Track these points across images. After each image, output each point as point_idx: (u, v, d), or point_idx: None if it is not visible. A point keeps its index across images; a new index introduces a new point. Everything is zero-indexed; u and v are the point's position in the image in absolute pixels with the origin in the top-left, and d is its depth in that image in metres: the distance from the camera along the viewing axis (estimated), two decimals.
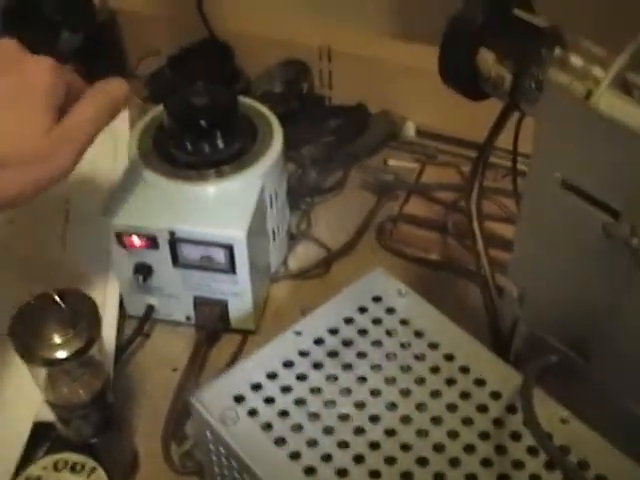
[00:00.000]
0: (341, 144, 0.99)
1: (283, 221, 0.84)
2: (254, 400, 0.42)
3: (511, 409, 0.44)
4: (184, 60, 1.05)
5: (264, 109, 0.83)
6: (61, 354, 0.57)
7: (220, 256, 0.73)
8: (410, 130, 1.02)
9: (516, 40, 0.48)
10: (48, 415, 0.66)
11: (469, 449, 0.42)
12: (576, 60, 0.43)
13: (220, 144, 0.76)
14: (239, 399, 0.43)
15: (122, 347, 0.77)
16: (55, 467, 0.62)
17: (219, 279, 0.75)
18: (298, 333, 0.46)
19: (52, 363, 0.57)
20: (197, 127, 0.76)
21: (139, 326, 0.79)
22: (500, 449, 0.42)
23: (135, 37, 1.13)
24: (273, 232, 0.82)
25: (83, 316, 0.58)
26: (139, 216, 0.73)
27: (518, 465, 0.42)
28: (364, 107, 1.02)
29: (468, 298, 0.77)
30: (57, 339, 0.57)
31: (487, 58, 0.48)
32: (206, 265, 0.74)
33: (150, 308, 0.79)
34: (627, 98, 0.40)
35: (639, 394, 0.46)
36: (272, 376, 0.44)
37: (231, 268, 0.73)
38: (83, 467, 0.62)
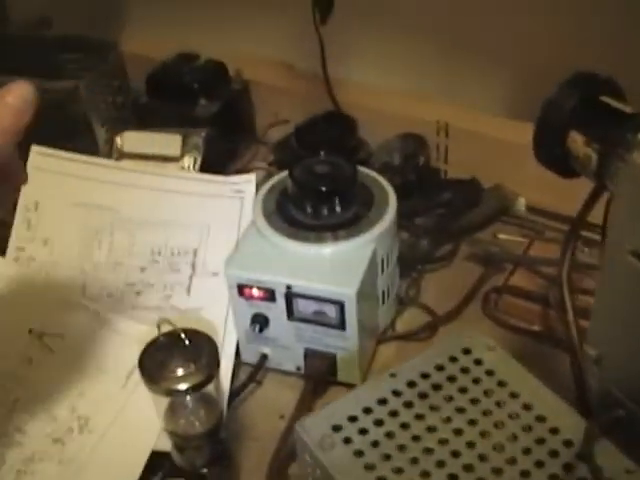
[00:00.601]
0: (453, 216, 1.04)
1: (393, 285, 0.89)
2: (350, 430, 0.47)
3: (581, 457, 0.47)
4: (309, 130, 1.12)
5: (381, 179, 0.89)
6: (182, 386, 0.63)
7: (332, 312, 0.78)
8: (521, 206, 1.06)
9: (603, 124, 0.52)
10: (165, 445, 0.73)
11: None
12: None
13: (338, 209, 0.82)
14: (337, 428, 0.48)
15: (235, 391, 0.83)
16: None
17: (330, 334, 0.80)
18: (393, 375, 0.51)
19: (173, 393, 0.64)
20: (318, 193, 0.82)
21: (252, 373, 0.85)
22: None
23: (265, 106, 1.21)
24: (383, 295, 0.87)
25: (204, 354, 0.65)
26: (259, 270, 0.79)
27: None
28: (477, 181, 1.07)
29: (564, 367, 0.80)
30: (180, 372, 0.63)
31: (577, 140, 0.53)
32: (318, 320, 0.79)
33: (264, 357, 0.85)
34: None
35: None
36: (367, 411, 0.48)
37: (341, 324, 0.79)
38: None
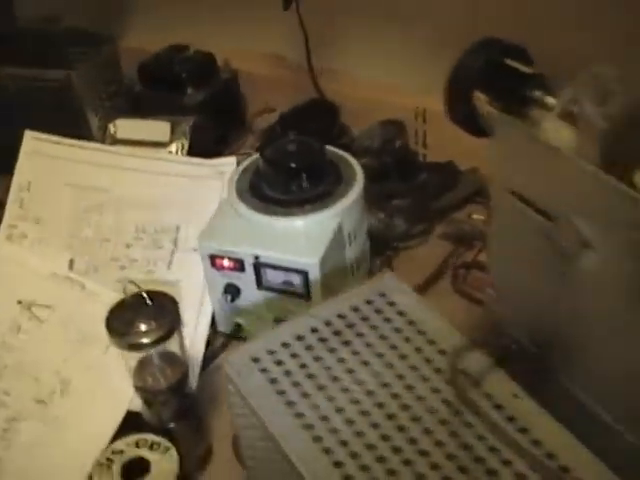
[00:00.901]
0: (429, 198, 1.08)
1: (362, 259, 0.94)
2: (268, 362, 0.52)
3: (476, 384, 0.51)
4: (294, 117, 1.17)
5: (350, 158, 0.93)
6: (145, 340, 0.68)
7: (298, 281, 0.83)
8: None
9: (506, 84, 0.57)
10: (138, 406, 0.78)
11: (432, 411, 0.50)
12: (551, 100, 0.52)
13: (306, 185, 0.87)
14: (256, 360, 0.52)
15: (210, 357, 0.88)
16: (137, 444, 0.73)
17: (297, 303, 0.84)
18: (313, 316, 0.55)
19: (138, 347, 0.69)
20: (287, 169, 0.87)
21: (225, 342, 0.90)
22: (459, 412, 0.50)
23: (256, 96, 1.26)
24: (352, 268, 0.91)
25: (166, 312, 0.70)
26: (229, 242, 0.84)
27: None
28: (453, 165, 1.11)
29: None
30: (143, 328, 0.68)
31: (480, 99, 0.58)
32: (286, 289, 0.84)
33: (238, 326, 0.90)
34: (566, 126, 0.49)
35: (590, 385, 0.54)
36: (285, 345, 0.53)
37: (307, 293, 0.83)
38: (159, 446, 0.72)
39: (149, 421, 0.76)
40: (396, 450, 0.47)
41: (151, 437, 0.73)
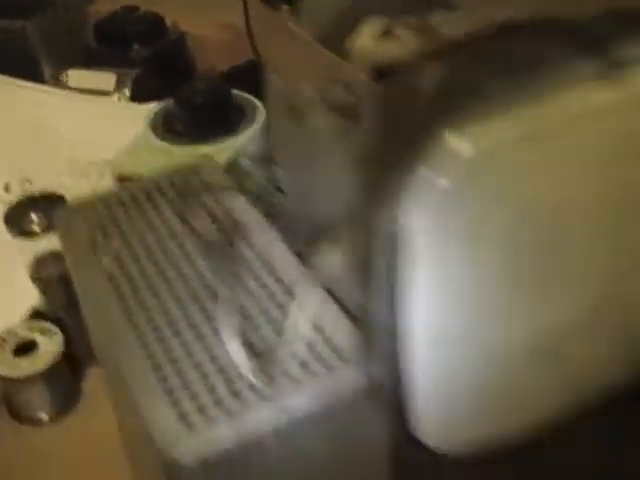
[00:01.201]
0: None
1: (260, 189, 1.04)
2: (90, 218, 0.62)
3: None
4: (232, 76, 1.27)
5: (257, 102, 1.04)
6: (36, 228, 0.79)
7: None
8: None
9: None
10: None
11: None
12: None
13: (210, 120, 0.98)
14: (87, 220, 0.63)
15: None
16: (30, 329, 0.84)
17: None
18: (136, 187, 0.66)
19: (29, 235, 0.80)
20: (193, 105, 0.98)
21: None
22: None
23: (202, 57, 1.37)
24: None
25: (56, 208, 0.81)
26: (134, 164, 0.95)
27: None
28: None
29: None
30: (34, 219, 0.80)
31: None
32: None
33: None
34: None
35: None
36: (107, 207, 0.64)
37: None
38: (49, 331, 0.83)
39: (44, 311, 0.86)
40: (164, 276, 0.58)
41: (43, 324, 0.84)
